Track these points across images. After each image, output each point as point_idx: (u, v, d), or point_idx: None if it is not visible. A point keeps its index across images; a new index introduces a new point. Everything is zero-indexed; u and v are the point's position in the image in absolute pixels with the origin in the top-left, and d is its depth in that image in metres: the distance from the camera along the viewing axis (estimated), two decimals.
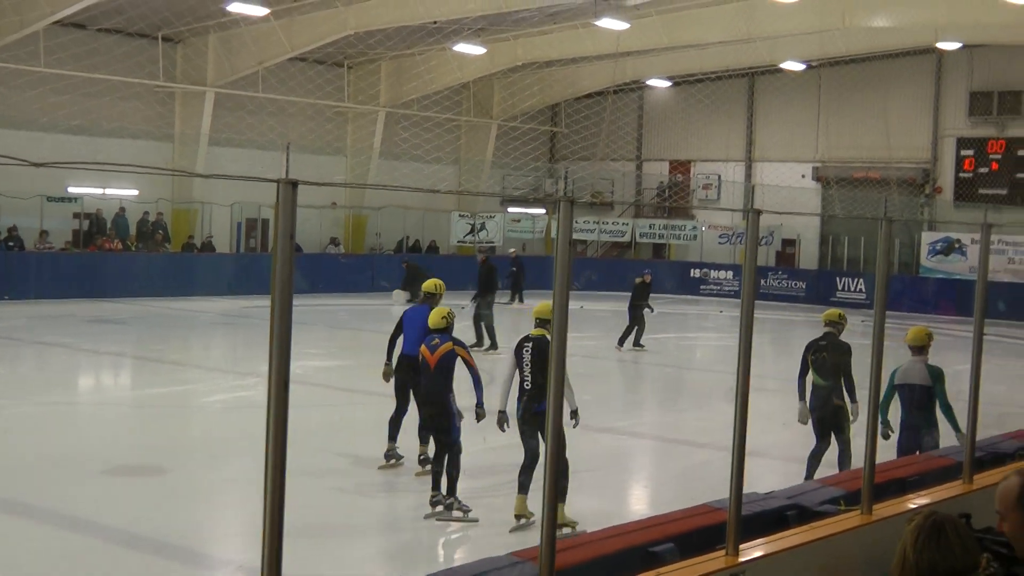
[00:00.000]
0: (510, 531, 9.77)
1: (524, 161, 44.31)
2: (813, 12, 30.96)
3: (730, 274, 40.01)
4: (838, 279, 38.55)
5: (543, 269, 33.20)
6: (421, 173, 39.87)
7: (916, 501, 7.89)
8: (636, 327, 23.89)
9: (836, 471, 10.78)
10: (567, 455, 9.31)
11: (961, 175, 38.98)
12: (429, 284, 12.44)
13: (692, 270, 41.36)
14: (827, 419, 11.57)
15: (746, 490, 6.88)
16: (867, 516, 7.04)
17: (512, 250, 35.50)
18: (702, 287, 40.62)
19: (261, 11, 30.39)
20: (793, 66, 39.35)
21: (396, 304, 31.01)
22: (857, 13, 30.78)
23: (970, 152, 38.74)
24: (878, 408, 7.13)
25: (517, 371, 10.15)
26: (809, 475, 11.16)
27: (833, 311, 12.08)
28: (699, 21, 33.64)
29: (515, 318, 28.01)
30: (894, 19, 31.18)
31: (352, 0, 31.58)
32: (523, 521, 9.85)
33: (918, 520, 3.85)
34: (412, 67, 38.22)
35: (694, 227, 42.52)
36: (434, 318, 10.78)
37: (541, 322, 10.19)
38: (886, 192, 38.53)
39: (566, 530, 9.41)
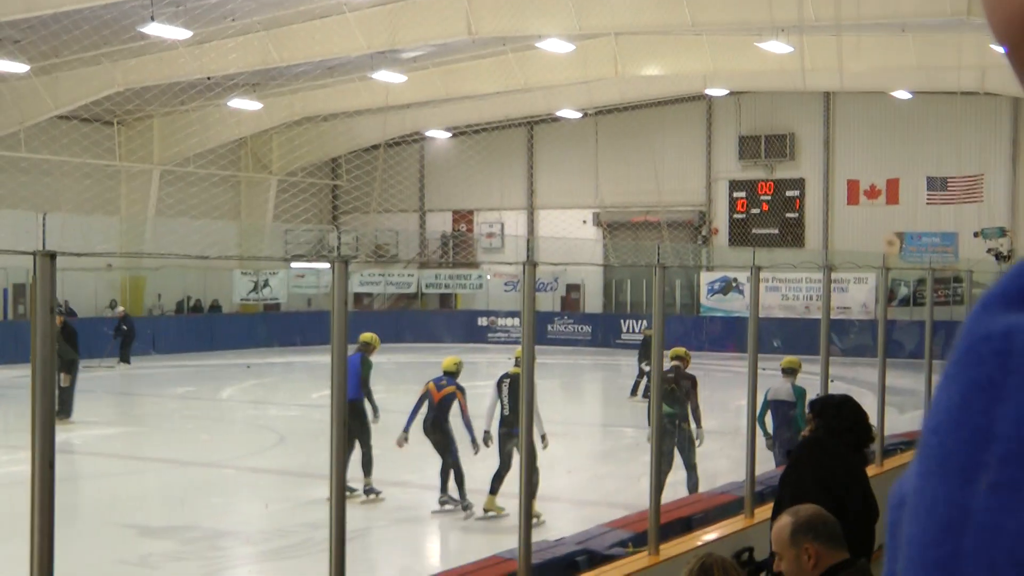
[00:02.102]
0: (476, 518, 12.24)
1: (306, 216, 43.90)
2: (587, 62, 31.70)
3: (517, 321, 40.34)
4: (622, 322, 39.41)
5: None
6: (200, 232, 38.98)
7: (702, 538, 8.08)
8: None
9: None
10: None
11: (735, 216, 40.58)
12: (367, 336, 14.20)
13: (479, 319, 41.63)
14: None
15: (537, 538, 6.88)
16: (655, 557, 7.17)
17: (120, 308, 34.52)
18: (490, 335, 40.86)
19: (21, 68, 29.26)
20: (570, 114, 40.29)
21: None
22: (628, 62, 31.69)
23: (742, 194, 40.39)
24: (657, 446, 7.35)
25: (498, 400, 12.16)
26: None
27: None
28: (474, 73, 34.07)
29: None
30: (664, 68, 32.23)
31: (120, 56, 30.70)
32: (491, 514, 12.15)
33: (692, 563, 4.03)
34: (187, 124, 37.40)
35: (479, 276, 42.82)
36: (448, 363, 12.94)
37: (518, 361, 11.04)
38: (663, 235, 39.71)
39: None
